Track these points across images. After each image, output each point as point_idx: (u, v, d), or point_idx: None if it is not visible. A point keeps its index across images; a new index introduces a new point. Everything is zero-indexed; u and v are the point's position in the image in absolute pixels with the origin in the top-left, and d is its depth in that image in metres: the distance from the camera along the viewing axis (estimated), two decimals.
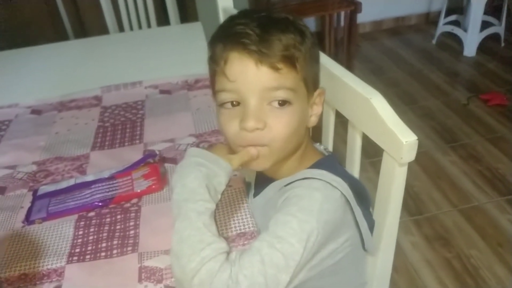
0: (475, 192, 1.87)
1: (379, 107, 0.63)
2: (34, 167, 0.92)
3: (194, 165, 0.64)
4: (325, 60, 0.75)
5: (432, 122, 2.32)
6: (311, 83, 0.67)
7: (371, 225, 0.71)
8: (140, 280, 0.65)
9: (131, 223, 0.75)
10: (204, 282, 0.55)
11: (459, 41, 3.03)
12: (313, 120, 0.71)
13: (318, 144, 0.79)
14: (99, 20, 2.13)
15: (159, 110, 1.09)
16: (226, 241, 0.61)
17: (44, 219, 0.78)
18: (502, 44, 3.03)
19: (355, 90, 0.68)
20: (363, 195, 0.70)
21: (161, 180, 0.82)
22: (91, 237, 0.74)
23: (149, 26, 2.07)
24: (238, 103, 0.64)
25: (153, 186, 0.81)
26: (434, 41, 3.18)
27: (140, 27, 2.07)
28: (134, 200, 0.80)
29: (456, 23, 3.10)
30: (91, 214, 0.78)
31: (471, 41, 2.94)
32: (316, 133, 0.73)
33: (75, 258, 0.70)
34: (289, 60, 0.62)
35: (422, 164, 2.02)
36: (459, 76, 2.81)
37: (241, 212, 0.74)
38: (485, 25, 2.93)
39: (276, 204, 0.66)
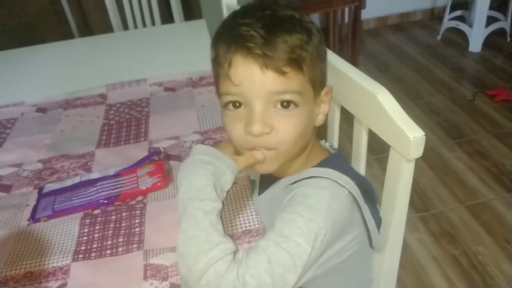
0: (482, 188, 1.85)
1: (386, 103, 0.62)
2: (40, 165, 0.93)
3: (200, 162, 0.64)
4: (330, 56, 0.75)
5: (438, 118, 2.31)
6: (318, 83, 0.66)
7: (378, 223, 0.70)
8: (145, 277, 0.65)
9: (137, 221, 0.75)
10: (211, 283, 0.54)
11: (464, 36, 3.00)
12: (320, 119, 0.69)
13: (323, 141, 0.78)
14: (103, 19, 2.13)
15: (163, 107, 1.09)
16: (232, 240, 0.60)
17: (49, 217, 0.78)
18: (508, 39, 3.00)
19: (361, 86, 0.67)
20: (370, 193, 0.69)
21: (166, 178, 0.82)
22: (96, 235, 0.73)
23: (153, 24, 2.07)
24: (241, 104, 0.63)
25: (158, 184, 0.81)
26: (439, 37, 3.16)
27: (144, 25, 2.07)
28: (139, 198, 0.80)
29: (461, 18, 3.08)
30: (97, 211, 0.78)
31: (476, 36, 2.91)
32: (321, 130, 0.72)
33: (81, 256, 0.70)
34: (296, 63, 0.60)
35: (428, 160, 2.01)
36: (465, 71, 2.79)
37: (246, 210, 0.73)
38: (490, 20, 2.91)
39: (282, 202, 0.65)
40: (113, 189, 0.80)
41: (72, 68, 1.39)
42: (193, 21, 1.70)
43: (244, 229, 0.70)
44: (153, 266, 0.66)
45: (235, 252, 0.58)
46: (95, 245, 0.71)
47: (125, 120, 1.05)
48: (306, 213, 0.59)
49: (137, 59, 1.40)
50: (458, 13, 3.10)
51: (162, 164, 0.85)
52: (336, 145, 0.86)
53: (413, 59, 2.96)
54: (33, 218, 0.78)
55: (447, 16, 3.06)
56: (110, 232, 0.74)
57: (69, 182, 0.84)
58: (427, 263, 1.56)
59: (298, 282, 0.58)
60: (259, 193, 0.79)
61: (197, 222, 0.59)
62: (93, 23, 2.56)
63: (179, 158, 0.89)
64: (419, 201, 1.79)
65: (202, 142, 0.93)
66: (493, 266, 1.52)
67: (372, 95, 0.64)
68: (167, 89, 1.17)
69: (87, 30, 2.54)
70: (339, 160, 0.71)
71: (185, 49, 1.42)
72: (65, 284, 0.66)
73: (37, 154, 0.96)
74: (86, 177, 0.85)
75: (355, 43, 2.79)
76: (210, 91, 1.13)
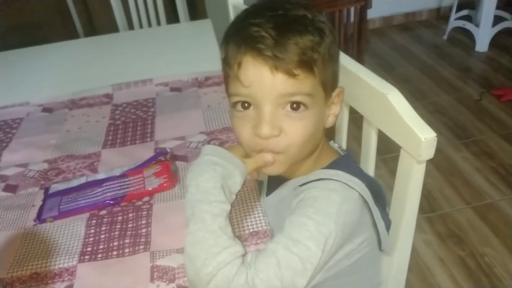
0: (488, 189, 1.84)
1: (397, 103, 0.61)
2: (46, 165, 0.92)
3: (208, 163, 0.63)
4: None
5: (444, 118, 2.29)
6: (330, 84, 0.65)
7: (387, 225, 0.69)
8: (152, 279, 0.64)
9: (143, 222, 0.75)
10: (220, 287, 0.54)
11: (471, 36, 2.99)
12: (330, 120, 0.68)
13: (332, 142, 0.77)
14: (108, 18, 2.13)
15: (169, 107, 1.08)
16: (241, 243, 0.60)
17: (55, 218, 0.77)
18: None
19: (370, 86, 0.67)
20: (380, 195, 0.68)
21: (173, 178, 0.82)
22: (102, 236, 0.73)
23: (158, 24, 2.06)
24: (250, 105, 0.62)
25: (165, 184, 0.80)
26: (445, 37, 3.14)
27: (150, 25, 2.07)
28: (146, 198, 0.79)
29: (467, 18, 3.06)
30: (103, 212, 0.78)
31: (483, 36, 2.90)
32: (329, 130, 0.71)
33: (87, 257, 0.69)
34: (307, 65, 0.59)
35: (434, 160, 1.98)
36: (471, 71, 2.78)
37: (253, 211, 0.73)
38: (497, 19, 2.89)
39: (290, 204, 0.64)
40: (119, 190, 0.80)
41: (77, 68, 1.39)
42: (198, 21, 1.69)
43: (251, 230, 0.69)
44: (160, 267, 0.66)
45: (244, 255, 0.58)
46: (101, 246, 0.71)
47: (131, 120, 1.05)
48: (316, 216, 0.58)
49: (143, 59, 1.40)
50: (464, 12, 3.09)
51: (169, 164, 0.84)
52: (344, 146, 0.85)
53: (418, 59, 2.94)
54: (39, 218, 0.78)
55: (453, 15, 3.04)
56: (117, 233, 0.73)
57: (75, 183, 0.84)
58: (434, 264, 1.55)
59: (307, 285, 0.57)
60: (267, 194, 0.78)
61: (206, 225, 0.58)
62: (98, 22, 2.56)
63: (185, 159, 0.89)
64: (425, 202, 1.78)
65: (208, 143, 0.92)
66: (500, 268, 1.51)
67: (382, 95, 0.63)
68: (173, 89, 1.17)
69: (92, 29, 2.55)
70: (349, 162, 0.70)
71: (191, 49, 1.42)
72: (71, 286, 0.65)
73: (43, 154, 0.96)
74: (92, 177, 0.85)
75: (360, 42, 2.78)
76: (216, 91, 1.12)
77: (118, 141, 0.98)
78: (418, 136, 0.58)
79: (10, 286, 0.66)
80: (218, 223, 0.58)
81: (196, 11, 2.57)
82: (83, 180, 0.84)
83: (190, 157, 0.89)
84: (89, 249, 0.71)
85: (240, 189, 0.66)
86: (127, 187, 0.80)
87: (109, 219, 0.76)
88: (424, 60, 2.93)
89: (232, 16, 1.18)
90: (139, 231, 0.73)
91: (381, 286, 0.78)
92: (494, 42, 2.93)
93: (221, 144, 0.91)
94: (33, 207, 0.81)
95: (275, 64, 0.58)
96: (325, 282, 0.62)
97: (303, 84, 0.59)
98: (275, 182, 0.75)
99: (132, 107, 1.10)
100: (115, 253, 0.69)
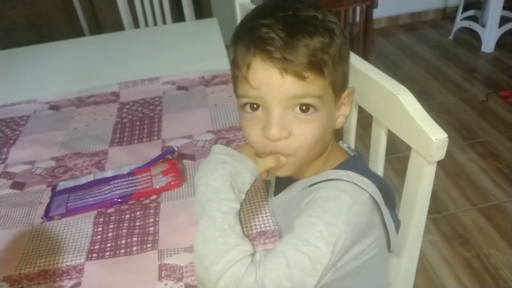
0: (494, 190, 1.83)
1: (407, 103, 0.61)
2: (53, 163, 0.92)
3: (217, 162, 0.63)
4: None
5: (450, 119, 2.28)
6: (340, 85, 0.64)
7: (396, 226, 0.69)
8: (160, 278, 0.64)
9: (151, 220, 0.74)
10: (229, 286, 0.54)
11: (477, 36, 2.97)
12: (340, 121, 0.67)
13: (340, 141, 0.77)
14: (114, 17, 2.13)
15: (176, 106, 1.08)
16: (250, 242, 0.59)
17: (63, 215, 0.77)
18: None
19: (381, 86, 0.66)
20: (389, 195, 0.68)
21: (180, 177, 0.82)
22: (110, 234, 0.73)
23: (164, 22, 2.06)
24: (259, 106, 0.61)
25: (172, 183, 0.80)
26: (451, 37, 3.13)
27: (155, 23, 2.07)
28: (153, 197, 0.79)
29: (474, 18, 3.05)
30: (110, 210, 0.78)
31: (489, 36, 2.88)
32: (337, 130, 0.71)
33: (94, 255, 0.69)
34: (316, 67, 0.58)
35: (440, 161, 1.96)
36: (477, 72, 2.76)
37: (261, 211, 0.72)
38: (503, 20, 2.87)
39: (299, 204, 0.64)
40: (127, 188, 0.80)
41: (84, 66, 1.39)
42: (205, 20, 1.69)
43: (259, 230, 0.69)
44: (167, 266, 0.66)
45: (253, 254, 0.57)
46: (109, 244, 0.71)
47: (138, 119, 1.05)
48: (327, 216, 0.58)
49: (149, 58, 1.40)
50: (470, 12, 3.07)
51: (176, 163, 0.84)
52: (352, 146, 0.85)
53: (424, 59, 2.93)
54: (47, 216, 0.78)
55: (459, 16, 3.03)
56: (124, 231, 0.73)
57: (82, 180, 0.84)
58: (439, 265, 1.54)
59: (316, 286, 0.57)
60: (275, 194, 0.78)
61: (215, 223, 0.58)
62: (103, 21, 2.57)
63: (192, 157, 0.89)
64: (431, 203, 1.72)
65: (215, 141, 0.92)
66: (506, 269, 1.50)
67: (393, 95, 0.63)
68: (179, 88, 1.17)
69: (97, 28, 2.55)
70: (359, 162, 0.70)
71: (198, 47, 1.42)
72: (79, 283, 0.65)
73: (50, 151, 0.96)
74: (100, 175, 0.84)
75: (366, 42, 2.77)
76: (222, 90, 1.12)
77: (125, 139, 0.98)
78: (429, 137, 0.58)
79: (18, 283, 0.66)
80: (228, 221, 0.58)
81: (202, 9, 2.57)
82: (90, 178, 0.84)
83: (197, 156, 0.89)
84: (96, 247, 0.71)
85: (249, 188, 0.65)
86: (135, 185, 0.80)
87: (117, 217, 0.76)
88: (430, 60, 2.91)
89: (239, 15, 1.18)
90: (147, 230, 0.73)
91: (389, 287, 0.78)
92: (501, 43, 2.91)
93: (228, 143, 0.91)
94: (41, 204, 0.81)
95: (285, 66, 0.57)
96: (333, 282, 0.62)
97: (312, 87, 0.59)
98: (283, 182, 0.75)
99: (139, 105, 1.10)
100: (122, 251, 0.69)
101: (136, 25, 2.07)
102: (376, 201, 0.63)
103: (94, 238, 0.72)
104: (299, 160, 0.64)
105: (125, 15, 2.04)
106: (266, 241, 0.67)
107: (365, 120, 0.76)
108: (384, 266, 0.74)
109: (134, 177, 0.82)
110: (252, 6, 0.72)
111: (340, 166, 0.67)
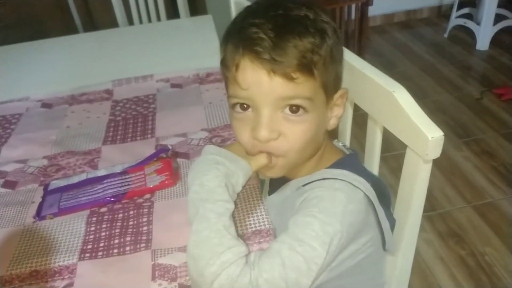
0: (489, 188, 1.83)
1: (403, 101, 0.60)
2: (45, 162, 0.91)
3: (212, 163, 0.62)
4: (344, 52, 0.73)
5: (444, 117, 2.29)
6: (332, 86, 0.63)
7: (391, 225, 0.69)
8: (153, 278, 0.63)
9: (144, 219, 0.74)
10: (224, 287, 0.53)
11: (471, 34, 2.97)
12: (333, 123, 0.67)
13: (335, 140, 0.76)
14: (108, 14, 2.12)
15: (170, 104, 1.07)
16: (245, 242, 0.59)
17: (55, 215, 0.76)
18: None
19: (376, 83, 0.65)
20: (385, 194, 0.67)
21: (174, 175, 0.81)
22: (103, 233, 0.72)
23: (158, 19, 2.05)
24: (249, 107, 0.61)
25: (166, 182, 0.79)
26: (446, 35, 3.13)
27: (150, 20, 2.05)
28: (147, 196, 0.79)
29: (468, 16, 3.05)
30: (103, 209, 0.77)
31: (484, 34, 2.89)
32: (332, 129, 0.70)
33: (87, 255, 0.68)
34: (306, 68, 0.57)
35: (435, 159, 1.98)
36: (472, 70, 2.77)
37: (256, 210, 0.72)
38: (498, 18, 2.88)
39: (294, 204, 0.64)
40: (120, 187, 0.79)
41: (77, 63, 1.38)
42: (199, 17, 1.68)
43: (254, 229, 0.68)
44: (161, 266, 0.65)
45: (247, 255, 0.57)
46: (102, 244, 0.70)
47: (131, 117, 1.04)
48: (322, 216, 0.57)
49: (143, 55, 1.39)
50: (465, 10, 3.08)
51: (170, 161, 0.83)
52: (347, 144, 0.84)
53: (419, 57, 2.93)
54: (39, 215, 0.77)
55: (454, 13, 3.03)
56: (117, 230, 0.72)
57: (75, 179, 0.83)
58: (434, 263, 1.54)
59: (311, 285, 0.56)
60: (269, 194, 0.77)
61: (210, 224, 0.57)
62: (97, 18, 2.55)
63: (187, 156, 0.88)
64: (426, 201, 1.73)
65: (210, 140, 0.92)
66: (501, 267, 1.51)
67: (389, 93, 0.62)
68: (174, 85, 1.16)
69: (91, 25, 2.53)
70: (354, 161, 0.69)
71: (192, 45, 1.41)
72: (71, 284, 0.64)
73: (42, 150, 0.95)
74: (93, 174, 0.84)
75: (361, 40, 2.77)
76: (217, 88, 1.11)
77: (118, 137, 0.97)
78: (425, 135, 0.57)
79: (9, 284, 0.65)
80: (223, 222, 0.57)
81: (196, 6, 2.55)
82: (83, 176, 0.83)
83: (192, 154, 0.88)
84: (89, 246, 0.70)
85: (241, 190, 0.65)
86: (128, 184, 0.79)
87: (110, 216, 0.75)
88: (425, 58, 2.92)
89: (234, 12, 1.17)
90: (140, 229, 0.72)
91: (384, 286, 0.77)
92: (495, 41, 2.92)
93: (223, 141, 0.91)
94: (33, 203, 0.80)
95: (273, 67, 0.56)
96: (329, 282, 0.62)
97: (302, 88, 0.58)
98: (277, 181, 0.74)
99: (132, 103, 1.09)
100: (116, 251, 0.69)
101: (131, 22, 2.06)
102: (371, 200, 0.63)
103: (87, 237, 0.72)
104: (290, 162, 0.64)
105: (119, 11, 2.02)
106: (261, 240, 0.66)
107: (360, 118, 0.76)
108: (379, 265, 0.74)
109: (127, 176, 0.81)
110: (247, 3, 0.71)
111: (335, 165, 0.67)
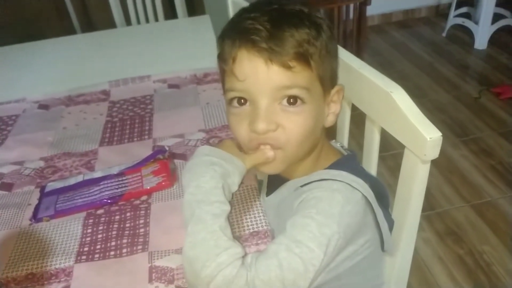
0: (487, 187, 1.83)
1: (401, 102, 0.60)
2: (42, 163, 0.91)
3: (207, 164, 0.62)
4: (341, 52, 0.72)
5: (443, 116, 2.29)
6: (328, 80, 0.63)
7: (390, 225, 0.69)
8: (150, 280, 0.63)
9: (141, 221, 0.73)
10: None
11: (470, 33, 2.98)
12: (330, 120, 0.67)
13: (333, 141, 0.76)
14: (106, 14, 2.11)
15: (168, 104, 1.07)
16: (241, 244, 0.59)
17: (52, 217, 0.76)
18: None
19: (374, 83, 0.65)
20: (383, 195, 0.67)
21: (171, 177, 0.80)
22: (100, 236, 0.71)
23: (156, 19, 2.04)
24: (246, 101, 0.61)
25: (163, 183, 0.79)
26: (444, 34, 3.13)
27: (147, 20, 2.05)
28: (144, 197, 0.78)
29: (467, 15, 3.05)
30: (100, 211, 0.76)
31: (482, 33, 2.89)
32: (330, 129, 0.70)
33: (84, 257, 0.68)
34: (303, 57, 0.57)
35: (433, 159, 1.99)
36: (470, 69, 2.77)
37: (253, 211, 0.71)
38: (496, 17, 2.88)
39: (292, 205, 0.63)
40: (117, 189, 0.79)
41: (74, 64, 1.37)
42: (197, 17, 1.68)
43: (251, 230, 0.68)
44: (158, 268, 0.64)
45: (243, 257, 0.56)
46: (98, 246, 0.70)
47: (128, 118, 1.03)
48: (319, 217, 0.57)
49: (140, 55, 1.38)
50: (463, 9, 3.08)
51: (167, 163, 0.83)
52: (345, 145, 0.84)
53: (417, 56, 2.93)
54: (35, 217, 0.76)
55: (452, 13, 3.03)
56: (114, 232, 0.72)
57: (72, 181, 0.82)
58: (432, 262, 1.54)
59: (309, 287, 0.56)
60: (267, 194, 0.77)
61: (206, 225, 0.57)
62: (95, 18, 2.54)
63: (184, 157, 0.88)
64: (424, 200, 1.74)
65: (208, 140, 0.91)
66: (499, 266, 1.51)
67: (386, 94, 0.62)
68: (171, 86, 1.15)
69: (89, 25, 2.52)
70: (352, 162, 0.69)
71: (190, 45, 1.41)
72: (68, 286, 0.64)
73: (39, 151, 0.94)
74: (89, 176, 0.83)
75: (359, 39, 2.77)
76: (215, 88, 1.11)
77: (115, 138, 0.96)
78: (423, 136, 0.57)
79: (5, 287, 0.64)
80: (219, 223, 0.57)
81: (194, 6, 2.55)
82: (80, 178, 0.83)
83: (189, 155, 0.88)
84: (86, 249, 0.69)
85: (237, 190, 0.65)
86: (125, 186, 0.79)
87: (107, 218, 0.75)
88: (423, 57, 2.92)
89: (231, 12, 1.16)
90: (137, 231, 0.71)
91: (383, 287, 0.77)
92: (493, 40, 2.92)
93: (220, 142, 0.90)
94: (29, 206, 0.80)
95: (270, 56, 0.56)
96: (327, 283, 0.61)
97: (299, 77, 0.58)
98: (275, 182, 0.74)
99: (129, 104, 1.09)
100: (112, 253, 0.68)
101: (128, 22, 2.05)
102: (369, 201, 0.63)
103: (84, 240, 0.71)
104: (289, 155, 0.63)
105: (117, 12, 2.02)
106: (259, 241, 0.66)
107: (358, 118, 0.75)
108: (377, 266, 0.74)
109: (124, 178, 0.81)
110: (245, 3, 0.71)
111: (333, 166, 0.66)
